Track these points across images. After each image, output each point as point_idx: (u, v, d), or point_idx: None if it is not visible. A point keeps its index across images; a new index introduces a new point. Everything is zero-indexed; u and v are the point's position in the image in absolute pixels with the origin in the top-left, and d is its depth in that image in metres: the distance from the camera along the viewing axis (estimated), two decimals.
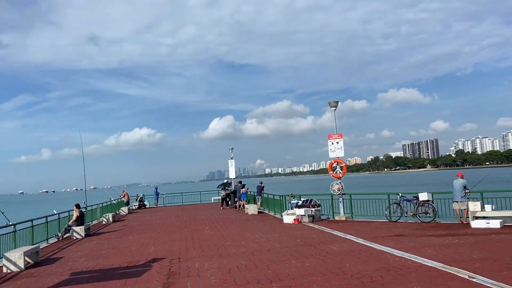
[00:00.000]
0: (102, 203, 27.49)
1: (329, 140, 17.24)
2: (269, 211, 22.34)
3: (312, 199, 17.20)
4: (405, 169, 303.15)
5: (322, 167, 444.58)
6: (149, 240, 14.15)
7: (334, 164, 17.16)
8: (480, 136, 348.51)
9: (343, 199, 16.88)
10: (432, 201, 14.32)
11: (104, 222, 23.17)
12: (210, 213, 24.84)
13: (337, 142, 17.00)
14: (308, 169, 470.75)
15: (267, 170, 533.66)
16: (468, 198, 13.39)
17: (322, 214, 17.21)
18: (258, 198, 23.79)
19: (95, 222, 24.00)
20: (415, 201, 14.58)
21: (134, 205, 34.31)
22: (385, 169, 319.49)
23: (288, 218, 16.78)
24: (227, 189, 28.84)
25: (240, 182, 26.37)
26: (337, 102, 17.15)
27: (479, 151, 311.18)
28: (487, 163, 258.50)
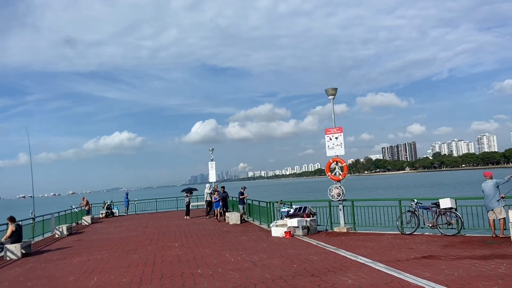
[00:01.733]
0: (58, 212, 23.73)
1: (326, 135, 14.30)
2: (253, 220, 19.23)
3: (306, 207, 14.20)
4: (385, 171, 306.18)
5: (304, 170, 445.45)
6: (98, 265, 10.80)
7: (333, 164, 14.23)
8: (455, 139, 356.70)
9: (343, 206, 13.97)
10: (456, 209, 11.56)
11: (56, 236, 19.50)
12: (185, 223, 21.51)
13: (336, 138, 14.08)
14: (291, 172, 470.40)
15: (250, 174, 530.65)
16: (504, 205, 10.66)
17: (318, 225, 14.25)
18: (239, 207, 20.11)
19: (48, 235, 20.31)
20: (434, 209, 11.79)
21: (101, 213, 30.57)
22: (366, 172, 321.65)
23: (277, 230, 13.72)
24: (190, 195, 25.27)
25: (223, 187, 22.79)
26: (335, 89, 14.27)
27: (455, 154, 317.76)
28: (463, 165, 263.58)
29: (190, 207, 27.33)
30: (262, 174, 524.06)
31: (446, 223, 11.48)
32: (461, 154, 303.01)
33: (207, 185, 25.12)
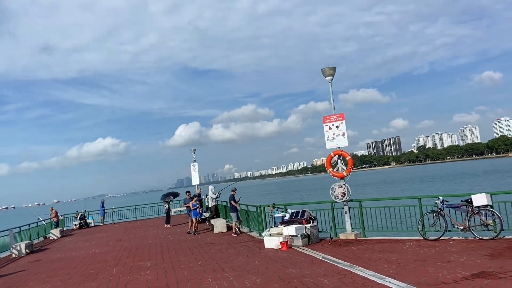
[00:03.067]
0: (20, 227, 20.79)
1: (324, 124, 11.97)
2: (242, 227, 16.76)
3: (304, 211, 11.84)
4: (371, 167, 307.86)
5: (290, 169, 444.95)
6: None
7: (335, 158, 11.89)
8: (439, 132, 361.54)
9: (349, 208, 11.67)
10: (492, 206, 9.39)
11: (13, 256, 16.66)
12: (164, 232, 18.93)
13: (337, 126, 11.76)
14: (277, 172, 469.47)
15: (236, 175, 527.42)
16: None
17: (319, 231, 11.91)
18: (232, 215, 15.49)
19: (5, 254, 17.44)
20: (465, 207, 9.60)
21: (75, 225, 27.65)
22: None
23: (271, 240, 11.32)
24: (170, 200, 21.88)
25: (188, 192, 19.04)
26: (333, 68, 11.96)
27: (439, 146, 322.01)
28: (448, 157, 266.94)
29: (172, 213, 24.72)
30: (248, 174, 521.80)
31: (481, 224, 9.30)
32: (445, 146, 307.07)
33: (211, 187, 19.99)
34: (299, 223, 11.36)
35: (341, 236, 11.56)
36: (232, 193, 15.51)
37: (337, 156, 11.78)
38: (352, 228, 11.61)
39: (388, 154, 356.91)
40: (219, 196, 19.57)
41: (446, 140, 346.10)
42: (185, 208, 18.77)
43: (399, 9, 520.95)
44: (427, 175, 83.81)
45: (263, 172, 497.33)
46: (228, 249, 11.95)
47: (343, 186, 11.53)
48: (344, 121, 11.68)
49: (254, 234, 14.52)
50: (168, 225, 21.33)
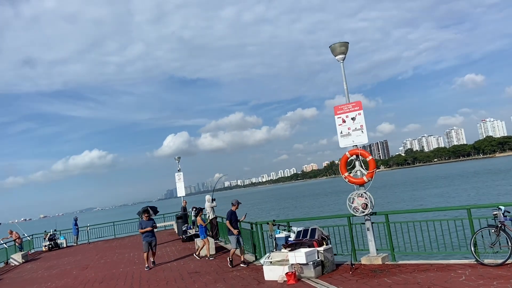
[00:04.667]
0: None
1: (336, 117, 9.36)
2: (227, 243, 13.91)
3: (315, 229, 9.13)
4: None
5: (280, 176, 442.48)
6: None
7: (352, 158, 9.24)
8: (425, 135, 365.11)
9: (372, 223, 9.01)
10: None
11: None
12: (140, 256, 15.90)
13: (353, 118, 9.16)
14: (267, 179, 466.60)
15: (226, 183, 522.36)
16: None
17: (334, 254, 9.21)
18: (231, 239, 10.99)
19: None
20: None
21: (44, 246, 24.38)
22: None
23: (273, 271, 8.56)
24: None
25: (147, 213, 13.58)
26: (345, 44, 9.41)
27: (426, 149, 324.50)
28: (435, 159, 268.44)
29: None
30: (239, 183, 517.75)
31: None
32: (432, 149, 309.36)
33: (208, 196, 16.12)
34: (309, 246, 8.66)
35: (363, 260, 8.88)
36: (233, 208, 11.00)
37: (355, 156, 9.15)
38: (377, 250, 8.95)
39: (377, 158, 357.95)
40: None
41: (433, 143, 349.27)
42: (141, 233, 13.17)
43: (382, 15, 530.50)
44: (424, 177, 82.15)
45: (253, 180, 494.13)
46: (216, 283, 9.13)
47: (364, 195, 8.88)
48: (362, 111, 9.10)
49: (249, 257, 11.71)
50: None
